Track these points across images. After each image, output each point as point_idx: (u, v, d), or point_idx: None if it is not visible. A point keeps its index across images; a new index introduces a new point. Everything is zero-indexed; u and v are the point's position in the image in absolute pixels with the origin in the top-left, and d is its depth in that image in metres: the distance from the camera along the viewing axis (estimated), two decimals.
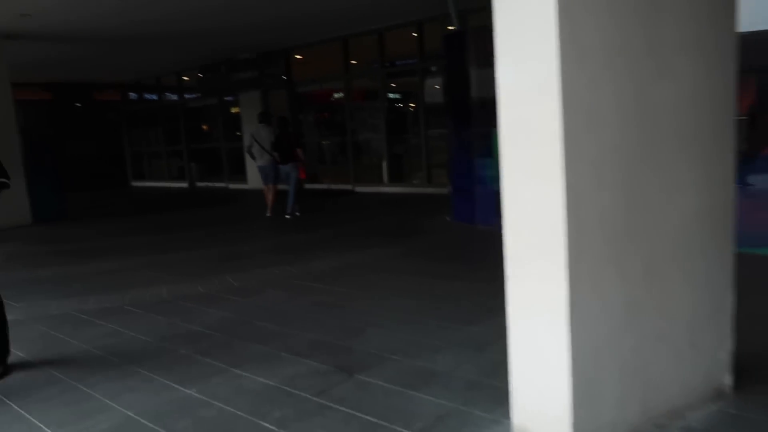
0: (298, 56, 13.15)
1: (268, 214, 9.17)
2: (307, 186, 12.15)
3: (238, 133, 15.07)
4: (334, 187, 12.63)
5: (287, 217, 8.81)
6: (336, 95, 13.20)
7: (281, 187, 9.27)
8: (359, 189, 12.20)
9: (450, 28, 10.29)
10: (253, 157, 9.35)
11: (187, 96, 16.17)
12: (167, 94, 16.85)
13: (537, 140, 2.03)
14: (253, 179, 14.22)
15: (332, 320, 3.91)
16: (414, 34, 10.86)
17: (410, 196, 10.82)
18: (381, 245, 6.41)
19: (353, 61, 12.16)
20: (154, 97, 17.08)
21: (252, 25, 10.26)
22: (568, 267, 2.01)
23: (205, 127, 16.77)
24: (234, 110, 15.24)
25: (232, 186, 14.98)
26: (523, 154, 2.10)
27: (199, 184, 15.98)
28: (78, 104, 17.35)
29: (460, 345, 3.31)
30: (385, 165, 11.94)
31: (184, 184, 16.19)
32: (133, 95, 17.70)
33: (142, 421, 2.61)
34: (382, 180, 12.02)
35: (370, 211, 9.53)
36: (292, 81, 13.14)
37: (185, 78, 15.96)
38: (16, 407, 2.83)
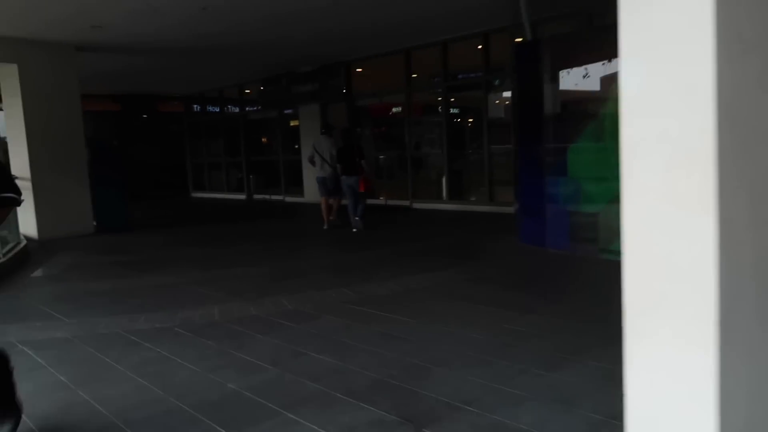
0: (358, 69, 12.98)
1: (325, 227, 9.08)
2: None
3: (297, 146, 15.05)
4: (390, 202, 12.31)
5: (354, 230, 8.66)
6: (394, 109, 12.94)
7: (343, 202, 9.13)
8: (417, 205, 11.82)
9: (518, 40, 9.87)
10: (314, 165, 9.25)
11: (247, 108, 16.32)
12: (229, 106, 17.09)
13: (680, 160, 1.58)
14: (310, 193, 14.11)
15: (394, 355, 3.51)
16: (479, 46, 10.46)
17: (470, 215, 10.35)
18: (444, 268, 5.98)
19: (414, 75, 11.84)
20: (216, 109, 17.35)
21: (314, 37, 10.16)
22: (719, 325, 1.54)
23: (264, 139, 16.87)
24: (293, 123, 15.23)
25: (289, 199, 14.92)
26: (657, 177, 1.65)
27: (257, 196, 16.04)
28: (144, 115, 17.85)
29: (545, 396, 2.85)
30: (444, 181, 11.52)
31: (242, 196, 16.29)
32: (196, 107, 18.06)
33: None
34: (441, 196, 11.60)
35: (430, 229, 9.12)
36: (351, 94, 12.96)
37: (247, 91, 16.12)
38: None
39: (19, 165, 9.23)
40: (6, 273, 6.49)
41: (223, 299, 5.03)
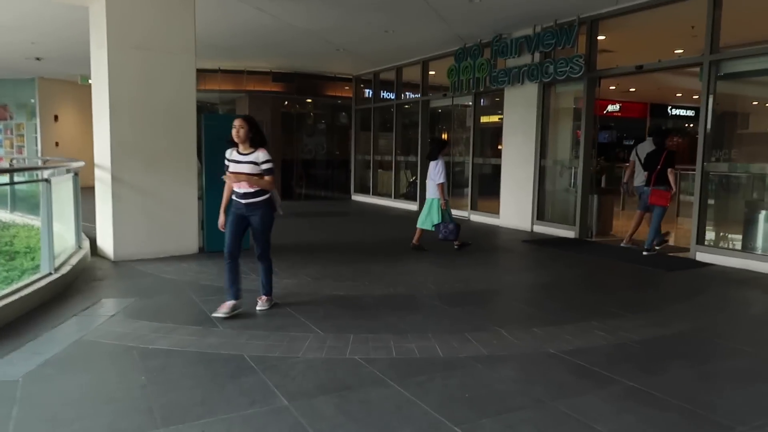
0: (600, 36, 8.35)
1: (622, 245, 7.75)
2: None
3: (499, 147, 10.91)
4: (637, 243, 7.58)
5: (644, 253, 7.18)
6: (610, 107, 8.10)
7: None
8: (702, 256, 6.90)
9: None
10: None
11: (431, 94, 12.48)
12: (408, 93, 13.47)
13: None
14: (509, 214, 9.86)
15: None
16: None
17: None
18: None
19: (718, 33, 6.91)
20: (391, 95, 13.82)
21: None
22: None
23: (445, 135, 12.87)
24: (483, 120, 11.08)
25: (476, 218, 10.81)
26: None
27: None
28: (308, 99, 15.09)
29: None
30: (763, 220, 6.50)
31: (413, 206, 12.56)
32: (367, 92, 14.75)
33: None
34: (749, 244, 6.59)
35: None
36: (593, 69, 8.38)
37: (432, 72, 12.33)
38: None
39: (101, 150, 6.33)
40: None
41: None
